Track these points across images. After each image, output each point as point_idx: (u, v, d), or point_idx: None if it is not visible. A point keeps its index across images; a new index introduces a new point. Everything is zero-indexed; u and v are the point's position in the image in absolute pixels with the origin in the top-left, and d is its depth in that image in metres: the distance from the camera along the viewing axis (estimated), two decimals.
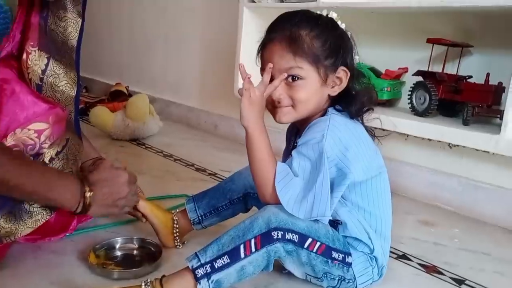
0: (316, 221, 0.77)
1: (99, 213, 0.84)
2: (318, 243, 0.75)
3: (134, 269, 0.84)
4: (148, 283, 0.71)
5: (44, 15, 0.85)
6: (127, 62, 2.67)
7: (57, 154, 0.80)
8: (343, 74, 0.80)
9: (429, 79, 1.39)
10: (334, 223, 0.79)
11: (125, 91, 2.43)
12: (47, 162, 0.78)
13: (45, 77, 0.83)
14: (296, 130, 0.90)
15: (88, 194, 0.78)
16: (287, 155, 0.90)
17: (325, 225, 0.78)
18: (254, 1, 1.71)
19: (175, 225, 0.94)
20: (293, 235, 0.74)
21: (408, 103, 1.44)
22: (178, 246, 0.95)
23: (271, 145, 0.77)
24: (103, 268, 0.85)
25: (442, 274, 0.95)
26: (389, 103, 1.56)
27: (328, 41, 0.78)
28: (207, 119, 2.13)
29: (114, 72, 2.76)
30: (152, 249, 0.93)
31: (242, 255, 0.72)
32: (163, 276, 0.73)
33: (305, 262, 0.76)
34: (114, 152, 1.69)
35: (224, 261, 0.72)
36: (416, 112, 1.41)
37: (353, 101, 0.81)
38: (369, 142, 0.83)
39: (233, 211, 0.95)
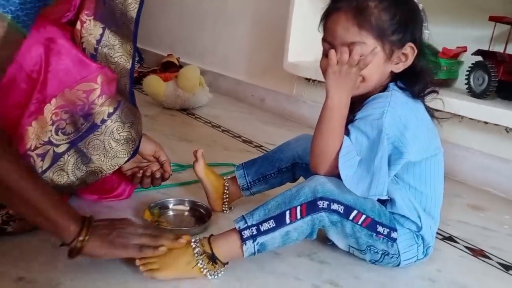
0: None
1: (99, 251, 0.69)
2: (364, 216, 0.76)
3: (185, 228, 0.89)
4: (197, 241, 0.75)
5: None
6: (178, 35, 2.72)
7: (109, 115, 0.81)
8: (410, 50, 0.76)
9: (489, 59, 1.33)
10: (382, 201, 0.80)
11: (176, 62, 2.48)
12: (98, 123, 0.79)
13: (100, 47, 0.84)
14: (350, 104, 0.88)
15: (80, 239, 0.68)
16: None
17: (372, 200, 0.78)
18: None
19: (225, 191, 0.98)
20: (338, 206, 0.75)
21: (465, 84, 1.38)
22: (225, 211, 0.99)
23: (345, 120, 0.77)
24: (156, 225, 0.90)
25: (489, 258, 0.93)
26: (445, 83, 1.51)
27: (397, 15, 0.74)
28: (254, 93, 2.15)
29: (166, 44, 2.82)
30: (202, 211, 0.97)
31: (288, 220, 0.74)
32: (211, 235, 0.77)
33: (349, 234, 0.78)
34: (166, 119, 1.76)
35: (270, 225, 0.74)
36: (473, 93, 1.36)
37: (417, 80, 0.78)
38: (429, 123, 0.81)
39: (281, 180, 0.97)
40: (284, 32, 1.81)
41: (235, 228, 0.75)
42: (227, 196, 0.98)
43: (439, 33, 1.49)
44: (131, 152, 0.86)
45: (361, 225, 0.76)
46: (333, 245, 0.86)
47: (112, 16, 0.85)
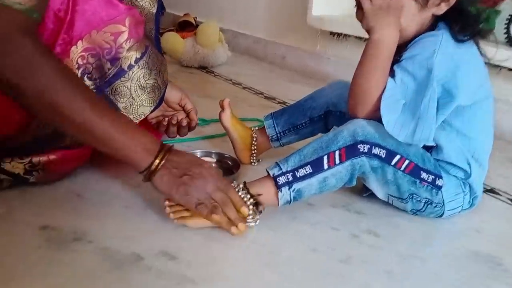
0: None
1: (163, 187, 0.68)
2: (407, 161, 0.71)
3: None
4: (238, 186, 0.71)
5: None
6: None
7: (136, 61, 0.75)
8: None
9: None
10: (427, 147, 0.74)
11: (193, 21, 2.40)
12: (125, 69, 0.74)
13: None
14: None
15: (160, 157, 0.67)
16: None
17: (417, 145, 0.72)
18: None
19: (253, 142, 0.93)
20: (380, 150, 0.69)
21: (505, 33, 1.29)
22: (253, 163, 0.95)
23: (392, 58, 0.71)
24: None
25: None
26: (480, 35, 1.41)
27: None
28: (276, 51, 2.07)
29: (182, 3, 2.72)
30: (230, 163, 0.93)
31: (326, 166, 0.69)
32: (245, 182, 0.73)
33: (390, 181, 0.73)
34: (184, 77, 1.70)
35: (306, 171, 0.69)
36: None
37: (466, 21, 0.70)
38: (481, 64, 0.74)
39: (312, 130, 0.92)
40: None
41: (269, 174, 0.71)
42: (255, 147, 0.93)
43: None
44: (157, 101, 0.80)
45: (403, 171, 0.71)
46: (369, 197, 0.82)
47: None
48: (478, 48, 0.74)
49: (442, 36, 0.69)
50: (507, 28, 1.28)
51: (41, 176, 0.76)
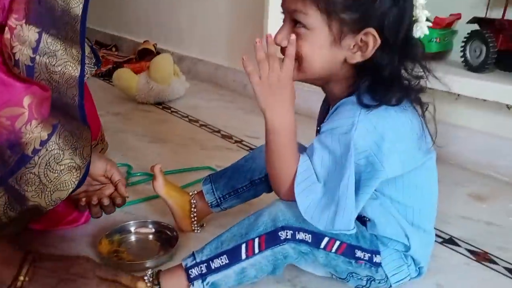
0: None
1: None
2: (338, 242, 0.64)
3: (144, 261, 0.77)
4: (151, 275, 0.65)
5: None
6: (154, 19, 2.55)
7: (42, 143, 0.67)
8: (371, 39, 0.60)
9: (486, 28, 1.19)
10: (362, 219, 0.68)
11: (153, 49, 2.32)
12: (30, 154, 0.66)
13: (38, 56, 0.69)
14: (327, 107, 0.74)
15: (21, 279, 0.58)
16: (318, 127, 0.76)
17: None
18: None
19: (192, 209, 0.86)
20: (305, 235, 0.63)
21: (461, 56, 1.25)
22: (196, 230, 0.88)
23: (296, 137, 0.64)
24: (113, 258, 0.79)
25: (494, 263, 0.83)
26: (438, 56, 1.37)
27: None
28: (236, 78, 2.01)
29: (142, 30, 2.65)
30: (169, 233, 0.86)
31: (243, 255, 0.63)
32: (159, 271, 0.67)
33: (324, 264, 0.66)
34: (139, 117, 1.62)
35: (222, 262, 0.63)
36: (470, 67, 1.22)
37: (383, 86, 0.61)
38: (414, 128, 0.65)
39: (255, 192, 0.85)
40: (262, 11, 1.66)
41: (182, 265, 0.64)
42: (194, 214, 0.86)
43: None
44: (76, 183, 0.73)
45: (335, 252, 0.65)
46: None
47: (50, 16, 0.70)
48: (414, 106, 0.65)
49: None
50: (463, 50, 1.24)
51: None
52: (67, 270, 0.61)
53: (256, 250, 0.62)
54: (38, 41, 0.70)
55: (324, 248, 0.64)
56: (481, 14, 1.22)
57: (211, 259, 0.63)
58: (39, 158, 0.68)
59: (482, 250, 0.86)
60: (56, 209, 0.79)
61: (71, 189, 0.73)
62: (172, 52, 2.37)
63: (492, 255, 0.85)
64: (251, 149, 1.33)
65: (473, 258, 0.84)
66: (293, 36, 0.60)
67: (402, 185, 0.66)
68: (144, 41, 2.41)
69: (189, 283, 0.63)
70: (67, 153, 0.71)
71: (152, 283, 0.64)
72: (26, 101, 0.65)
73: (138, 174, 1.13)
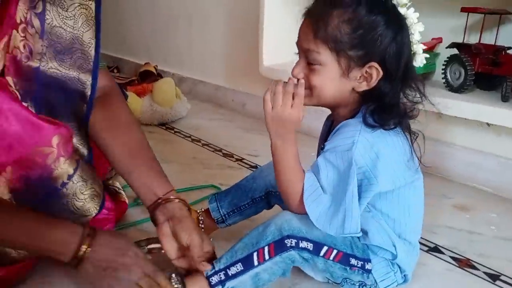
0: None
1: (88, 279, 0.70)
2: (335, 251, 0.74)
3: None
4: (178, 281, 0.73)
5: (40, 11, 0.75)
6: (154, 41, 2.66)
7: (69, 177, 0.76)
8: (374, 71, 0.70)
9: (464, 52, 1.29)
10: None
11: (154, 71, 2.42)
12: (59, 187, 0.75)
13: (42, 90, 0.76)
14: (330, 123, 0.84)
15: (84, 248, 0.68)
16: (320, 145, 0.85)
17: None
18: None
19: (200, 225, 0.95)
20: (307, 244, 0.72)
21: (442, 78, 1.35)
22: None
23: (298, 159, 0.74)
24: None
25: (475, 268, 0.92)
26: (423, 77, 1.47)
27: (360, 29, 0.67)
28: (235, 98, 2.11)
29: (142, 51, 2.75)
30: None
31: (256, 262, 0.72)
32: (184, 275, 0.75)
33: (322, 269, 0.76)
34: None
35: (238, 269, 0.72)
36: (451, 87, 1.32)
37: (384, 111, 0.71)
38: (405, 151, 0.74)
39: (256, 209, 0.94)
40: (257, 35, 1.76)
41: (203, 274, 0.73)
42: (202, 229, 0.95)
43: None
44: (98, 208, 0.82)
45: (333, 260, 0.74)
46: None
47: (56, 48, 0.77)
48: (405, 132, 0.74)
49: (361, 125, 0.71)
50: (444, 73, 1.34)
51: None
52: (115, 258, 0.69)
53: (267, 257, 0.71)
54: (35, 76, 0.76)
55: (323, 256, 0.73)
56: (460, 38, 1.32)
57: (228, 267, 0.72)
58: (66, 190, 0.77)
59: (464, 257, 0.95)
60: None
61: (94, 214, 0.82)
62: (172, 74, 2.48)
63: (473, 261, 0.94)
64: (251, 166, 1.42)
65: (456, 264, 0.93)
66: (302, 81, 0.71)
67: (392, 200, 0.76)
68: (145, 63, 2.51)
69: None
70: (89, 183, 0.80)
71: (181, 282, 0.72)
72: (55, 141, 0.73)
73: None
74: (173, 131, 1.80)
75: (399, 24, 0.70)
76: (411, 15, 0.71)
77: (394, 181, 0.74)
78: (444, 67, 1.34)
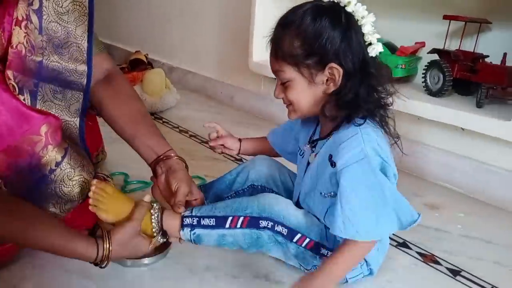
0: (310, 219, 0.82)
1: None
2: (307, 239, 0.81)
3: (145, 259, 0.91)
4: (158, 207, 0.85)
5: (37, 8, 0.79)
6: (146, 30, 2.68)
7: (57, 164, 0.81)
8: (335, 71, 0.74)
9: (444, 58, 1.35)
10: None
11: (144, 59, 2.44)
12: (47, 173, 0.79)
13: (41, 82, 0.82)
14: (316, 125, 0.89)
15: (106, 246, 0.77)
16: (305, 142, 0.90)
17: (319, 224, 0.82)
18: None
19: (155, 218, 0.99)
20: (282, 228, 0.80)
21: (422, 82, 1.41)
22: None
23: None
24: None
25: (439, 264, 0.99)
26: (405, 79, 1.54)
27: (308, 38, 0.73)
28: (223, 90, 2.15)
29: (134, 40, 2.77)
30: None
31: (227, 225, 0.81)
32: (163, 209, 0.86)
33: (294, 255, 0.82)
34: None
35: (209, 222, 0.82)
36: (430, 92, 1.39)
37: (354, 106, 0.75)
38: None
39: None
40: (248, 30, 1.80)
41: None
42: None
43: (398, 28, 1.52)
44: (85, 193, 0.87)
45: (305, 247, 0.81)
46: (289, 265, 0.90)
47: (52, 42, 0.82)
48: (383, 127, 0.79)
49: (360, 130, 0.75)
50: (424, 77, 1.40)
51: None
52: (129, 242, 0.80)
53: (238, 225, 0.81)
54: (39, 69, 0.82)
55: (296, 242, 0.81)
56: (442, 43, 1.38)
57: (203, 217, 0.83)
58: (54, 176, 0.81)
59: (429, 253, 1.02)
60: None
61: (81, 200, 0.87)
62: (163, 63, 2.51)
63: (437, 257, 1.01)
64: (236, 159, 1.47)
65: (421, 259, 1.00)
66: None
67: None
68: (136, 51, 2.52)
69: (180, 228, 0.83)
70: (77, 170, 0.85)
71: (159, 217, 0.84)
72: (43, 129, 0.78)
73: (134, 182, 1.26)
74: (161, 121, 1.83)
75: (346, 22, 0.74)
76: (359, 10, 0.75)
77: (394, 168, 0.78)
78: (424, 72, 1.40)
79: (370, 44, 0.76)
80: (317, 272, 0.73)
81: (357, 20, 0.75)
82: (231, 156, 1.50)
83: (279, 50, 0.76)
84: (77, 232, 0.76)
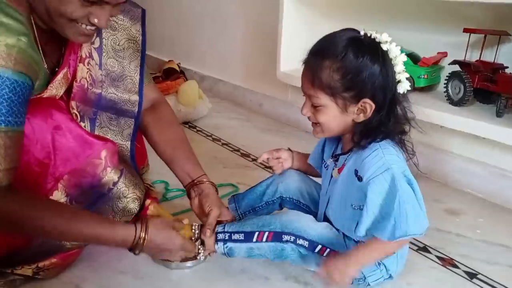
0: (329, 231, 0.93)
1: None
2: (328, 250, 0.91)
3: (188, 262, 1.02)
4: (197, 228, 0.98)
5: (97, 46, 0.93)
6: (177, 39, 2.81)
7: (114, 184, 0.92)
8: (368, 106, 0.82)
9: (464, 69, 1.41)
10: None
11: (177, 68, 2.58)
12: (106, 192, 0.91)
13: (98, 111, 0.94)
14: (337, 143, 0.98)
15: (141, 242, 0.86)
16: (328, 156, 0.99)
17: (338, 235, 0.92)
18: None
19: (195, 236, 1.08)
20: (303, 241, 0.91)
21: (444, 92, 1.47)
22: None
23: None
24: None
25: (456, 267, 1.06)
26: (427, 88, 1.59)
27: (349, 74, 0.80)
28: (252, 98, 2.25)
29: (166, 48, 2.91)
30: None
31: (254, 239, 0.92)
32: (201, 225, 0.98)
33: (317, 264, 0.91)
34: None
35: (239, 237, 0.94)
36: (452, 101, 1.44)
37: (377, 132, 0.84)
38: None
39: (268, 210, 1.10)
40: (276, 40, 1.88)
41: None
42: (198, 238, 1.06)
43: (421, 39, 1.58)
44: (137, 209, 0.99)
45: (326, 257, 0.90)
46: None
47: (110, 77, 0.96)
48: (401, 147, 0.88)
49: (380, 145, 0.85)
50: (446, 87, 1.46)
51: (46, 274, 0.94)
52: (163, 246, 0.89)
53: (264, 240, 0.92)
54: (98, 100, 0.95)
55: (318, 252, 0.90)
56: (463, 54, 1.43)
57: (233, 232, 0.94)
58: (112, 194, 0.94)
59: (448, 257, 1.09)
60: None
61: (133, 215, 0.99)
62: (194, 72, 2.63)
63: (456, 261, 1.08)
64: (266, 167, 1.57)
65: (440, 263, 1.07)
66: None
67: None
68: (169, 60, 2.66)
69: (215, 242, 0.95)
70: (130, 188, 0.97)
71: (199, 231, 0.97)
72: (103, 154, 0.91)
73: (174, 190, 1.38)
74: (195, 130, 1.96)
75: (383, 60, 0.81)
76: (393, 49, 0.82)
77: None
78: (446, 82, 1.46)
79: (399, 81, 0.84)
80: (344, 256, 0.85)
81: (391, 59, 0.82)
82: (261, 164, 1.60)
83: (317, 79, 0.82)
84: (115, 220, 0.89)
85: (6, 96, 0.70)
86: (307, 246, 0.90)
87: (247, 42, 2.26)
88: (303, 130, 1.93)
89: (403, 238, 0.80)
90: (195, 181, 1.04)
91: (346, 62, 0.80)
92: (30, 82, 0.74)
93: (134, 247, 0.86)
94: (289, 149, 1.11)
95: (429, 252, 1.11)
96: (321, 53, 0.83)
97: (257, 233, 0.92)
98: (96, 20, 0.77)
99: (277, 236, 0.91)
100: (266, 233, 0.91)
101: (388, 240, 0.81)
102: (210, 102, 2.15)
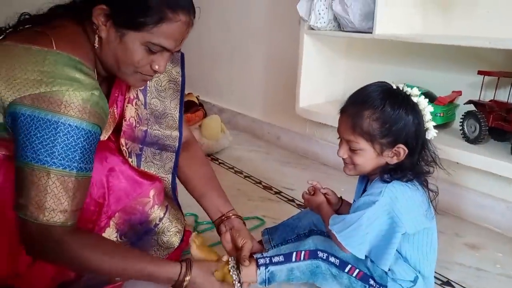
0: None
1: None
2: (357, 270, 0.97)
3: None
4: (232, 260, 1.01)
5: (143, 88, 1.02)
6: (197, 74, 2.92)
7: (160, 219, 1.00)
8: (401, 150, 0.92)
9: (479, 108, 1.48)
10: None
11: (196, 101, 2.68)
12: (152, 227, 0.98)
13: (144, 147, 1.03)
14: (366, 181, 1.06)
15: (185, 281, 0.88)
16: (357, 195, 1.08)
17: (365, 258, 0.97)
18: (313, 29, 1.85)
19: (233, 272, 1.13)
20: (335, 259, 0.98)
21: (460, 130, 1.54)
22: None
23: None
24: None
25: None
26: (443, 125, 1.67)
27: (387, 124, 0.90)
28: (270, 131, 2.34)
29: (186, 82, 3.01)
30: None
31: (293, 259, 1.00)
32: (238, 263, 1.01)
33: (347, 285, 0.97)
34: None
35: (279, 259, 1.00)
36: (468, 139, 1.51)
37: (406, 174, 0.93)
38: (423, 202, 0.95)
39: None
40: (295, 75, 1.96)
41: (254, 257, 1.01)
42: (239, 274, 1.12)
43: (437, 78, 1.67)
44: (179, 242, 1.06)
45: (355, 277, 0.96)
46: None
47: (154, 116, 1.04)
48: (423, 188, 0.96)
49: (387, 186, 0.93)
50: (462, 125, 1.53)
51: None
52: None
53: (302, 258, 0.99)
54: (144, 137, 1.03)
55: (347, 272, 0.97)
56: (478, 93, 1.51)
57: (273, 256, 1.01)
58: (157, 229, 1.01)
59: None
60: None
61: (176, 246, 1.05)
62: (213, 104, 2.73)
63: None
64: (289, 200, 1.63)
65: None
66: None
67: (413, 243, 0.96)
68: (188, 93, 2.77)
69: (257, 267, 1.00)
70: (173, 223, 1.04)
71: (236, 268, 0.99)
72: (151, 193, 0.99)
73: (204, 222, 1.44)
74: (217, 162, 2.03)
75: (415, 111, 0.93)
76: (422, 102, 0.94)
77: (415, 225, 0.94)
78: (461, 121, 1.54)
79: (427, 129, 0.95)
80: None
81: (420, 110, 0.93)
82: (283, 196, 1.67)
83: (357, 127, 0.92)
84: (163, 259, 0.95)
85: (80, 145, 0.77)
86: (338, 264, 0.97)
87: (267, 78, 2.36)
88: (321, 163, 2.00)
89: (336, 235, 0.92)
90: (225, 216, 1.10)
91: (385, 113, 0.91)
92: (100, 131, 0.82)
93: (178, 286, 0.89)
94: (340, 197, 1.16)
95: (453, 287, 1.16)
96: (361, 104, 0.93)
97: (295, 253, 1.00)
98: (157, 67, 0.86)
99: (313, 253, 0.99)
100: (303, 252, 0.99)
101: (329, 226, 0.94)
102: (231, 136, 2.23)
